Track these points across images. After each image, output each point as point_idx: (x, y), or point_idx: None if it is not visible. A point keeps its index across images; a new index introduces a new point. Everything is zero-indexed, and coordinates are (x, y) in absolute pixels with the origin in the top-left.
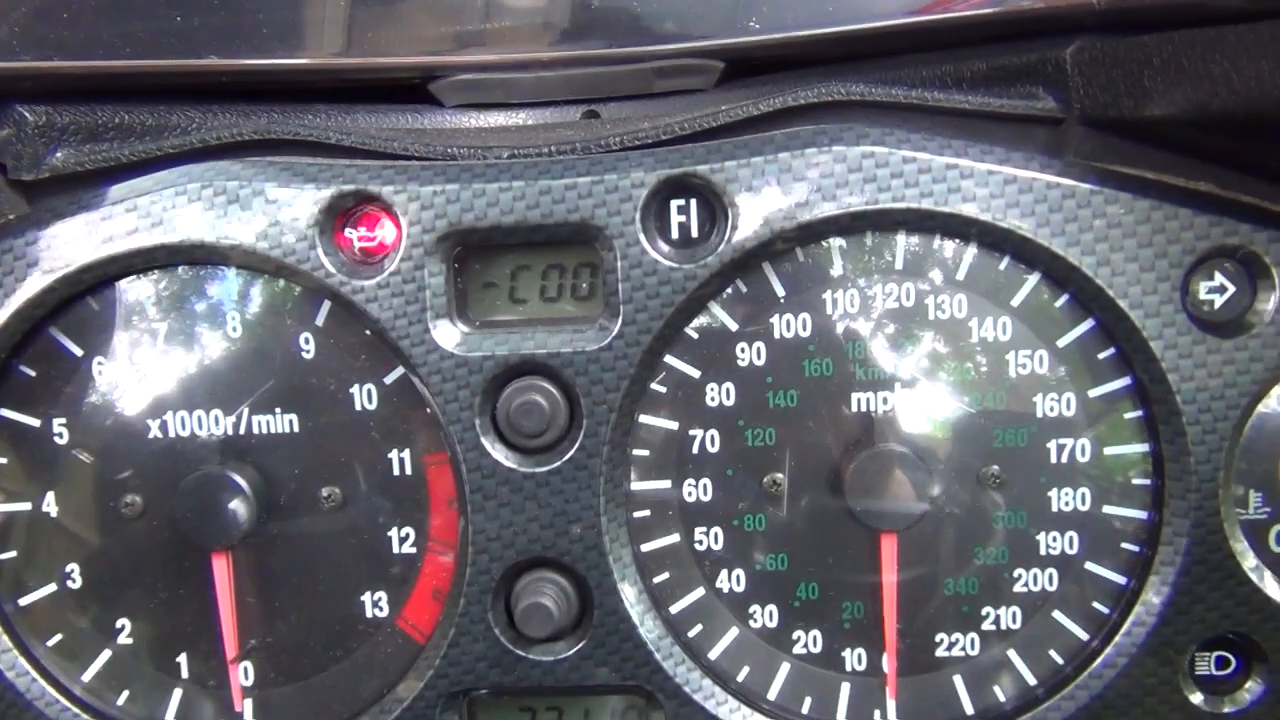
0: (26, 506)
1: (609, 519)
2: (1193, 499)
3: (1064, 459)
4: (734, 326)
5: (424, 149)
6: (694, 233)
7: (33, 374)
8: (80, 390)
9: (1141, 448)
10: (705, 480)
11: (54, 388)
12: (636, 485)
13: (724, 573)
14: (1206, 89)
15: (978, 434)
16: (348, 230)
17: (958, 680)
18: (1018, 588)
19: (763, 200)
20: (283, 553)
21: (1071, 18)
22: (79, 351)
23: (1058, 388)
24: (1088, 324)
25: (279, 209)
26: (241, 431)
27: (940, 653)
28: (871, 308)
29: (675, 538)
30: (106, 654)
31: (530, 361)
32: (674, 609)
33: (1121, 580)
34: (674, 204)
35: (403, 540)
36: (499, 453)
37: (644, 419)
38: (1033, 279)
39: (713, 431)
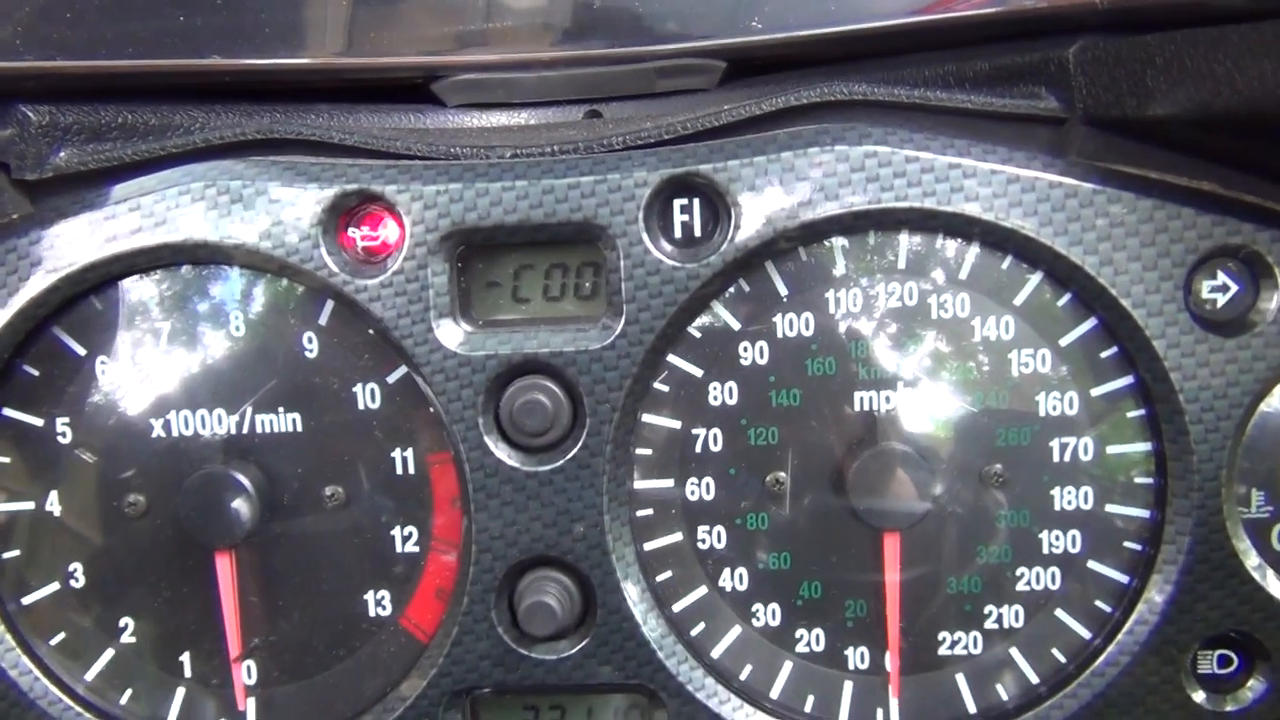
0: (30, 506)
1: (612, 518)
2: (1195, 498)
3: (1066, 458)
4: (737, 326)
5: (427, 148)
6: (697, 232)
7: (36, 373)
8: (83, 389)
9: (1144, 447)
10: (708, 479)
11: (57, 387)
12: (639, 484)
13: (727, 571)
14: (1209, 88)
15: (980, 433)
16: (351, 230)
17: (960, 679)
18: (1020, 586)
19: (765, 200)
20: (286, 552)
21: (1074, 17)
22: (82, 351)
23: (1060, 387)
24: (1090, 323)
25: (282, 208)
26: (245, 431)
27: (943, 651)
28: (874, 307)
29: (678, 536)
30: (109, 653)
31: (533, 361)
32: (677, 608)
33: (1124, 579)
34: (677, 203)
35: (405, 539)
36: (502, 452)
37: (647, 418)
38: (1035, 278)
39: (715, 430)
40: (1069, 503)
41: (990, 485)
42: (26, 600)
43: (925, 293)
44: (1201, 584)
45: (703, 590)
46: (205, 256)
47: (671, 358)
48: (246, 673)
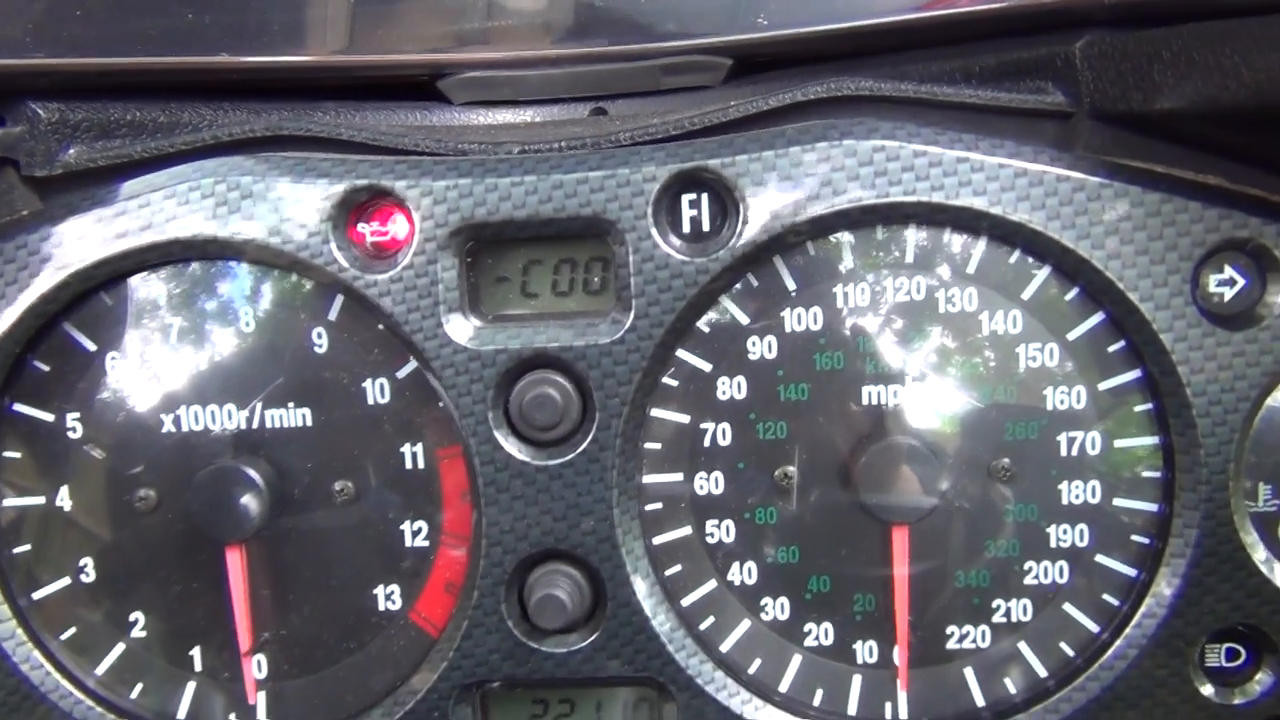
0: (40, 501)
1: (621, 511)
2: (1203, 491)
3: (1074, 452)
4: (745, 320)
5: (435, 145)
6: (705, 227)
7: (46, 369)
8: (93, 385)
9: (1152, 440)
10: (717, 473)
11: (67, 383)
12: (648, 478)
13: (735, 565)
14: (1217, 82)
15: (988, 427)
16: (360, 225)
17: (968, 672)
18: (1028, 580)
19: (774, 194)
20: (296, 546)
21: (1080, 12)
22: (92, 346)
23: (1068, 381)
24: (1098, 317)
25: (292, 204)
26: (254, 426)
27: (951, 645)
28: (882, 301)
29: (687, 530)
30: (120, 647)
31: (543, 355)
32: (686, 601)
33: (1132, 572)
34: (685, 198)
35: (415, 534)
36: (512, 446)
37: (656, 412)
38: (1043, 272)
39: (724, 425)
40: (1077, 497)
41: (998, 479)
42: (37, 595)
43: (933, 287)
44: (1209, 577)
45: (712, 584)
46: (215, 252)
47: (680, 352)
48: (257, 667)
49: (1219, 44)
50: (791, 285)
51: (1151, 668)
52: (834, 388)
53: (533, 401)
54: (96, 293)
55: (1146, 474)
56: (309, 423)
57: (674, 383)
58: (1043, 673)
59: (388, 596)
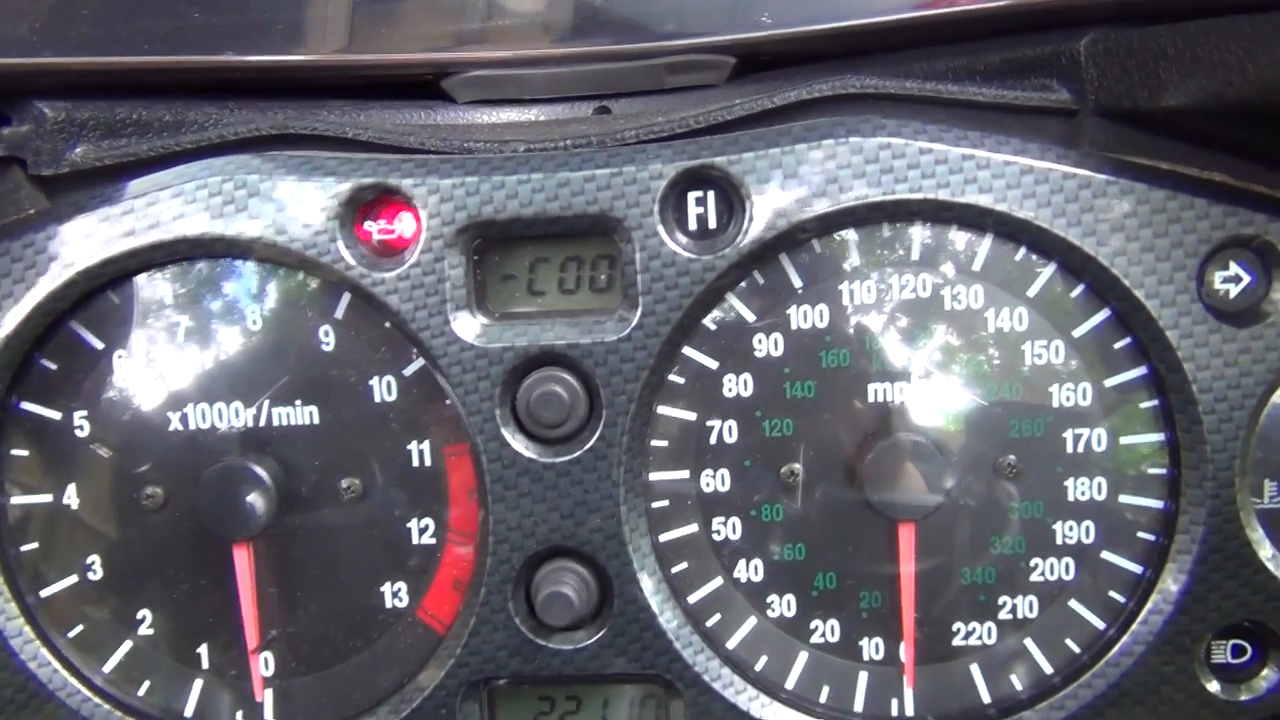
0: (47, 499)
1: (628, 509)
2: (1209, 488)
3: (1080, 449)
4: (751, 318)
5: (441, 143)
6: (712, 224)
7: (54, 367)
8: (101, 383)
9: (1157, 437)
10: (723, 470)
11: (75, 381)
12: (655, 475)
13: (742, 562)
14: (1222, 78)
15: (994, 424)
16: (367, 223)
17: (975, 669)
18: (1034, 577)
19: (780, 191)
20: (303, 544)
21: (1085, 9)
22: (100, 345)
23: (1074, 378)
24: (1104, 314)
25: (298, 202)
26: (262, 424)
27: (957, 642)
28: (888, 299)
29: (693, 528)
30: (127, 645)
31: (550, 352)
32: (692, 598)
33: (1138, 569)
34: (692, 196)
35: (422, 531)
36: (519, 443)
37: (662, 410)
38: (1049, 269)
39: (730, 422)
40: (1083, 493)
41: (1004, 476)
42: (45, 593)
43: (939, 284)
44: (1215, 574)
45: (718, 581)
46: (222, 251)
47: (687, 350)
48: (264, 664)
49: (1224, 40)
50: (798, 283)
51: (1158, 664)
52: (840, 385)
53: (540, 399)
54: (104, 291)
55: (1152, 471)
56: (316, 421)
57: (680, 380)
58: (1049, 670)
59: (395, 594)
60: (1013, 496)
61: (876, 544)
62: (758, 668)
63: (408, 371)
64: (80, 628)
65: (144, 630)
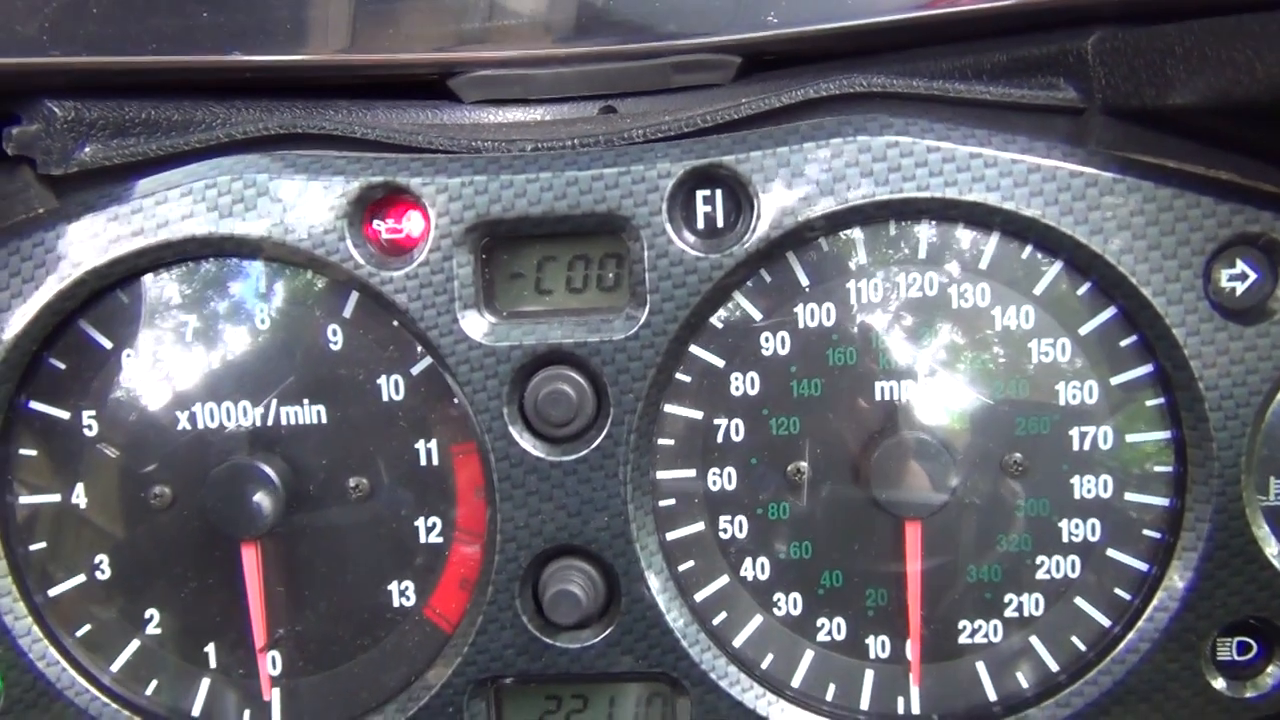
0: (55, 498)
1: (635, 507)
2: (1215, 485)
3: (1086, 446)
4: (758, 316)
5: (448, 142)
6: (719, 223)
7: (62, 367)
8: (109, 383)
9: (1163, 435)
10: (729, 469)
11: (83, 380)
12: (662, 474)
13: (748, 561)
14: (1229, 77)
15: (1000, 422)
16: (375, 222)
17: (980, 667)
18: (1040, 575)
19: (788, 190)
20: (311, 543)
21: (1092, 7)
22: (108, 344)
23: (1080, 376)
24: (1110, 312)
25: (307, 202)
26: (270, 423)
27: (963, 640)
28: (895, 297)
29: (700, 526)
30: (135, 644)
31: (558, 351)
32: (699, 597)
33: (1143, 567)
34: (700, 194)
35: (429, 530)
36: (527, 442)
37: (669, 408)
38: (1055, 267)
39: (737, 420)
40: (1088, 491)
41: (1010, 474)
42: (53, 592)
43: (945, 283)
44: (1221, 571)
45: (724, 580)
46: (230, 250)
47: (694, 348)
48: (271, 663)
49: (1231, 39)
50: (805, 281)
51: (1163, 661)
52: (846, 383)
53: (547, 397)
54: (112, 291)
55: (1158, 468)
56: (324, 420)
57: (687, 378)
58: (1054, 667)
59: (402, 593)
60: (1018, 494)
61: (883, 542)
62: (764, 666)
63: (415, 370)
64: (88, 627)
65: (152, 629)
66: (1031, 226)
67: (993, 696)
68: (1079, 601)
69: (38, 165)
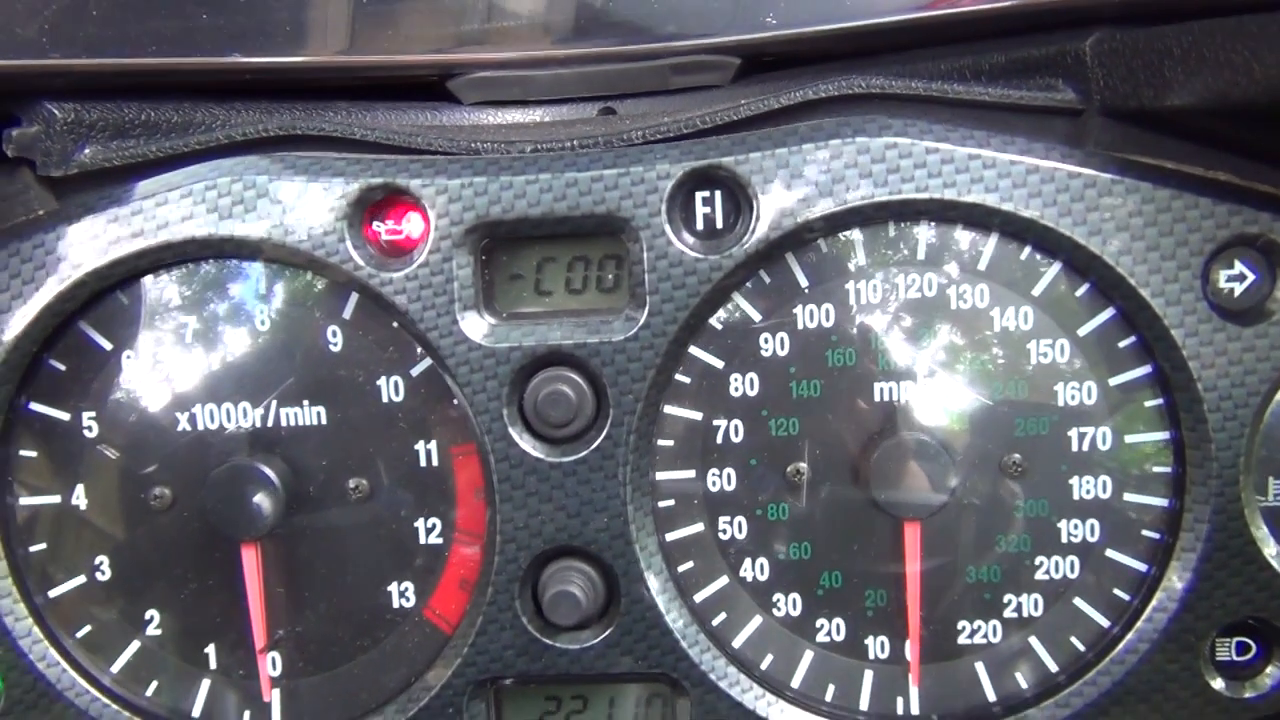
0: (55, 500)
1: (635, 508)
2: (1213, 485)
3: (1085, 447)
4: (758, 317)
5: (448, 144)
6: (719, 224)
7: (62, 368)
8: (109, 384)
9: (1162, 435)
10: (729, 470)
11: (83, 382)
12: (661, 475)
13: (748, 562)
14: (1227, 78)
15: (999, 423)
16: (375, 224)
17: (980, 667)
18: (1039, 575)
19: (787, 191)
20: (311, 544)
21: (1090, 9)
22: (108, 346)
23: (1079, 376)
24: (1109, 313)
25: (306, 203)
26: (269, 424)
27: (962, 640)
28: (894, 298)
29: (699, 527)
30: (135, 645)
31: (557, 352)
32: (698, 597)
33: (1142, 567)
34: (699, 196)
35: (429, 531)
36: (526, 443)
37: (669, 409)
38: (1054, 269)
39: (736, 421)
40: (1087, 492)
41: (1009, 475)
42: (53, 593)
43: (944, 284)
44: (1220, 571)
45: (724, 580)
46: (230, 251)
47: (693, 349)
48: (271, 664)
49: (1229, 40)
50: (804, 282)
51: (1162, 662)
52: (845, 384)
53: (547, 398)
54: (112, 292)
55: (1157, 469)
56: (324, 421)
57: (687, 380)
58: (1053, 667)
59: (402, 594)
60: (1017, 495)
61: (882, 543)
62: (763, 666)
63: (415, 371)
64: (88, 628)
65: (152, 630)
66: (1030, 227)
67: (992, 697)
68: (1078, 602)
69: (37, 167)
